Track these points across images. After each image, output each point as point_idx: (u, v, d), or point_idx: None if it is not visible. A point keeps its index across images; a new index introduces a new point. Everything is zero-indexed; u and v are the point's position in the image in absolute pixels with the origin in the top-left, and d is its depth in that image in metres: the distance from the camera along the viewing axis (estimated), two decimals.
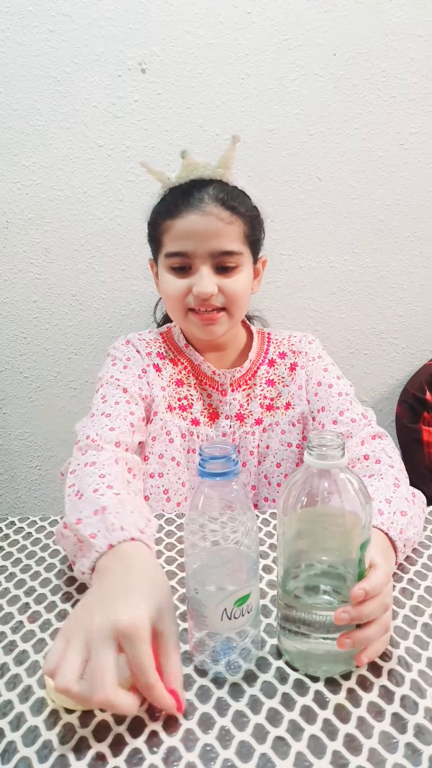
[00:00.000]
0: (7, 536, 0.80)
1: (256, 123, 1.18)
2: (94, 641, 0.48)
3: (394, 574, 0.69)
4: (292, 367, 0.98)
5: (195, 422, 0.95)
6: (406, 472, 0.83)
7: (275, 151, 1.20)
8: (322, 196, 1.24)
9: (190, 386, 0.96)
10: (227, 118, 1.17)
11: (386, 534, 0.66)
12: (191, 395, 0.95)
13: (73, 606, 0.65)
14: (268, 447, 0.97)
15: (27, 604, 0.66)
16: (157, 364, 0.94)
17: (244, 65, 1.15)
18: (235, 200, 0.85)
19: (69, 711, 0.51)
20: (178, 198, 0.84)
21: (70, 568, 0.72)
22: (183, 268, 0.86)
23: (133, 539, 0.59)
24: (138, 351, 0.94)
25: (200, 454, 0.52)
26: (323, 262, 1.28)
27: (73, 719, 0.50)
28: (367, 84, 1.18)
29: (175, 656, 0.51)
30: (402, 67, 1.17)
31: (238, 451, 0.97)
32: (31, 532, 0.82)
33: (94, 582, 0.57)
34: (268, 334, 1.02)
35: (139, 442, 0.89)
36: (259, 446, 0.97)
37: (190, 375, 0.96)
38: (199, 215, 0.83)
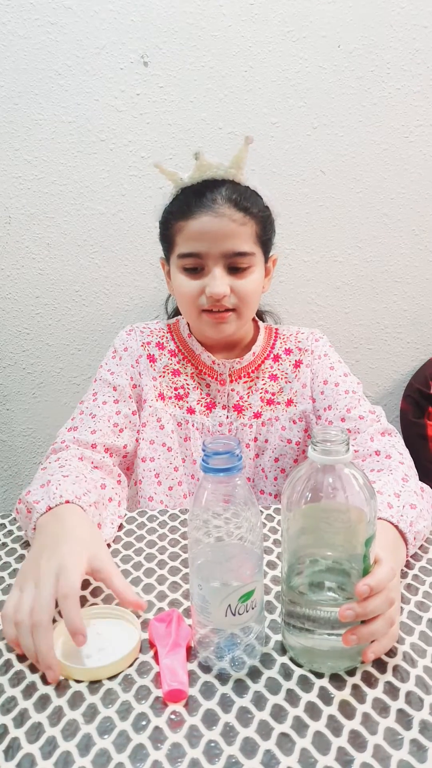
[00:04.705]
0: (10, 532, 0.80)
1: (259, 116, 1.17)
2: (40, 580, 0.57)
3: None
4: (297, 365, 0.97)
5: (190, 411, 0.96)
6: (415, 469, 0.83)
7: (278, 144, 1.19)
8: (326, 190, 1.23)
9: (187, 376, 0.97)
10: (230, 111, 1.16)
11: (396, 526, 0.67)
12: (187, 384, 0.96)
13: None
14: (267, 441, 0.97)
15: None
16: (152, 354, 0.96)
17: (247, 58, 1.14)
18: (247, 201, 0.85)
19: (77, 681, 0.54)
20: (191, 198, 0.85)
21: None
22: (195, 268, 0.87)
23: (68, 502, 0.69)
24: (136, 340, 0.97)
25: (204, 450, 0.52)
26: (327, 257, 1.27)
27: (78, 716, 0.50)
28: (371, 76, 1.16)
29: (119, 578, 0.61)
30: (407, 58, 1.16)
31: None
32: None
33: (35, 537, 0.67)
34: (276, 329, 1.02)
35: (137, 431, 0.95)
36: (257, 439, 0.97)
37: (188, 365, 0.97)
38: (212, 216, 0.83)
